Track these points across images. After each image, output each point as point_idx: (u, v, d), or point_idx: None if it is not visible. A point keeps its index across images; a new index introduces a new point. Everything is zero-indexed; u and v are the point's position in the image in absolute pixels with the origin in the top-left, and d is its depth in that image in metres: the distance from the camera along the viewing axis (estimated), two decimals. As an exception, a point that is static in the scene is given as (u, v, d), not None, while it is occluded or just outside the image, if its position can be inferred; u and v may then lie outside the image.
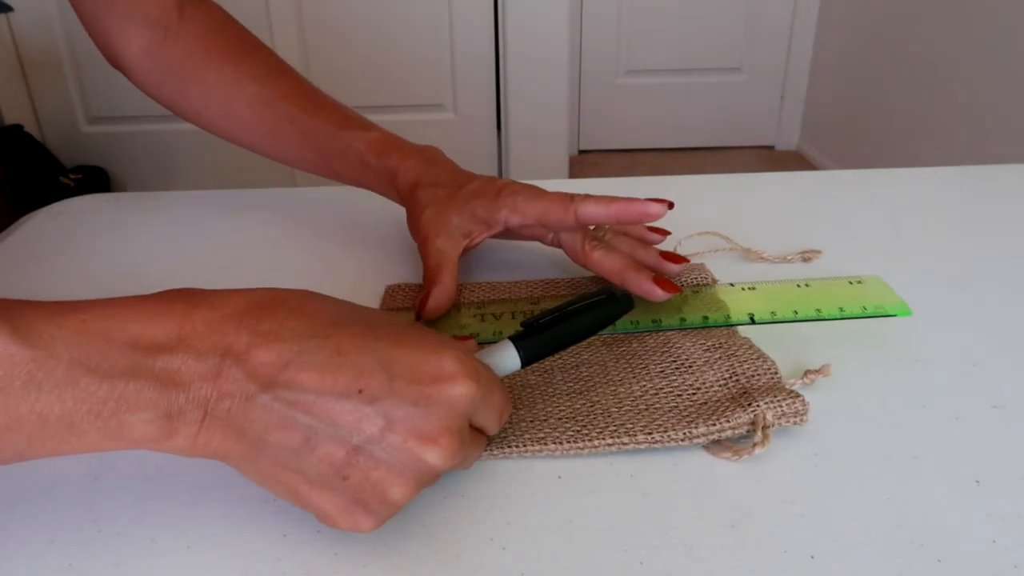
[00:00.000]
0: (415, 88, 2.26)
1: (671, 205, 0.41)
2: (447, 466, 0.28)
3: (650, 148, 2.76)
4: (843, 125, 2.41)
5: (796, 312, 0.44)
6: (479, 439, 0.32)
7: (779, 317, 0.43)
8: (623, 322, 0.43)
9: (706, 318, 0.43)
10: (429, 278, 0.43)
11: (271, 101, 0.51)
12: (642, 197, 0.41)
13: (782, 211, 0.57)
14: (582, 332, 0.35)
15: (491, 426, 0.31)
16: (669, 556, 0.29)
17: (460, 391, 0.28)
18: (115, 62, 0.53)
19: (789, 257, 0.50)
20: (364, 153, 0.49)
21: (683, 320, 0.43)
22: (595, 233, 0.45)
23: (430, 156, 0.49)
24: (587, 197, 0.42)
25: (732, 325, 0.43)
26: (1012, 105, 1.66)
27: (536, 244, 0.51)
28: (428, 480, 0.29)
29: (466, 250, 0.45)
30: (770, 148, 2.76)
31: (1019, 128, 1.64)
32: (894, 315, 0.44)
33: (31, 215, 0.60)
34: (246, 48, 0.53)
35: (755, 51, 2.59)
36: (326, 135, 0.50)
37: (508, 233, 0.46)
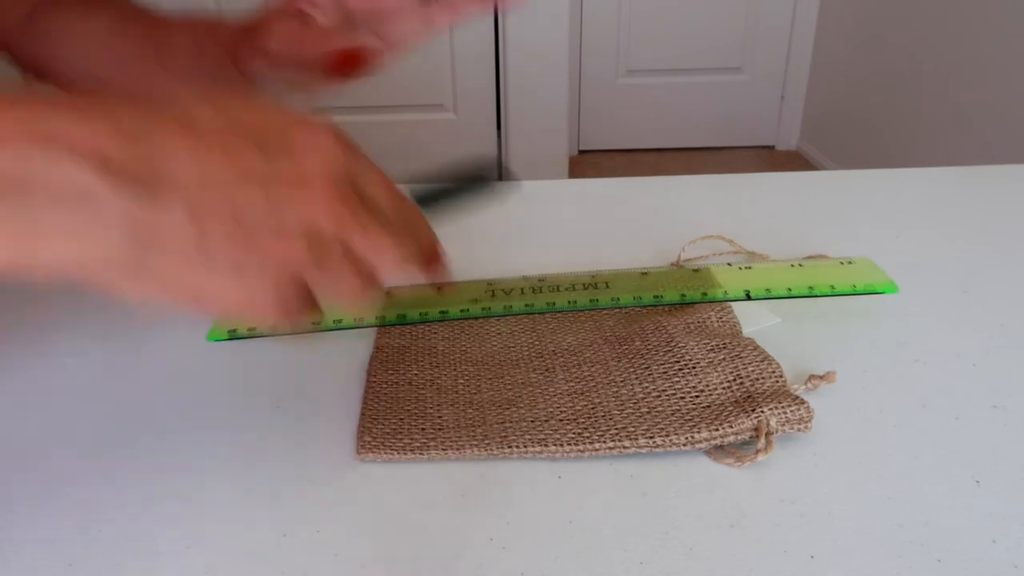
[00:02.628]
0: (415, 88, 2.26)
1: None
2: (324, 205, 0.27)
3: (650, 148, 2.76)
4: (843, 125, 2.42)
5: (790, 289, 0.46)
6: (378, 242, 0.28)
7: (774, 294, 0.45)
8: (627, 298, 0.44)
9: (704, 294, 0.45)
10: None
11: (123, 27, 0.50)
12: None
13: (782, 211, 0.57)
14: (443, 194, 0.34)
15: (382, 198, 0.29)
16: (669, 556, 0.29)
17: (322, 138, 0.28)
18: None
19: (795, 262, 0.50)
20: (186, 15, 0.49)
21: (683, 296, 0.45)
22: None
23: None
24: None
25: (729, 300, 0.44)
26: (1011, 106, 1.66)
27: (548, 242, 0.51)
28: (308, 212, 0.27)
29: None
30: (770, 148, 2.76)
31: (1019, 128, 1.64)
32: (882, 292, 0.46)
33: (31, 215, 0.60)
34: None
35: (755, 51, 2.59)
36: (163, 23, 0.50)
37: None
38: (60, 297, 0.49)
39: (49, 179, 0.25)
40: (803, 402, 0.35)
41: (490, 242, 0.54)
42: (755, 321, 0.43)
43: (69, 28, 0.52)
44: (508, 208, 0.53)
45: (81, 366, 0.42)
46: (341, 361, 0.41)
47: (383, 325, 0.44)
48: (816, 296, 0.45)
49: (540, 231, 0.55)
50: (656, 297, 0.45)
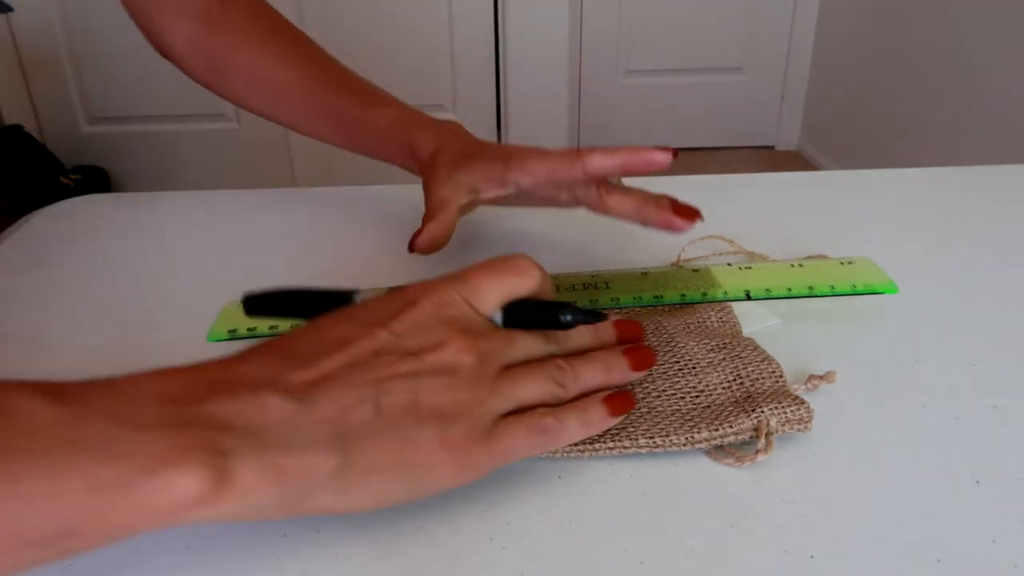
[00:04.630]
0: (415, 88, 2.25)
1: (676, 154, 0.41)
2: (468, 353, 0.30)
3: (650, 148, 2.75)
4: (843, 125, 2.42)
5: (790, 289, 0.46)
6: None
7: (774, 294, 0.45)
8: (627, 298, 0.44)
9: (704, 294, 0.45)
10: (426, 218, 0.45)
11: (298, 82, 0.54)
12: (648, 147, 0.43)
13: (782, 212, 0.57)
14: (302, 304, 0.36)
15: (536, 344, 0.32)
16: (669, 556, 0.29)
17: (446, 295, 0.31)
18: (163, 53, 0.57)
19: (794, 262, 0.49)
20: (386, 128, 0.51)
21: (683, 296, 0.45)
22: (609, 182, 0.46)
23: (449, 127, 0.50)
24: (593, 150, 0.43)
25: (729, 300, 0.44)
26: (1012, 105, 1.66)
27: (548, 242, 0.51)
28: (469, 378, 0.30)
29: (471, 205, 0.47)
30: (770, 148, 2.76)
31: (1019, 128, 1.64)
32: (882, 292, 0.45)
33: (31, 215, 0.60)
34: (278, 34, 0.56)
35: (755, 51, 2.59)
36: (349, 113, 0.52)
37: (523, 198, 0.47)
38: (59, 297, 0.49)
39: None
40: (803, 402, 0.35)
41: (490, 243, 0.54)
42: (755, 321, 0.43)
43: (254, 69, 0.54)
44: (508, 208, 0.53)
45: (82, 365, 0.42)
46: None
47: None
48: (816, 296, 0.45)
49: (540, 232, 0.55)
50: (656, 297, 0.45)
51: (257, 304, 0.37)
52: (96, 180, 2.28)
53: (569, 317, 0.32)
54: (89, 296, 0.49)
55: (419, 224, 0.47)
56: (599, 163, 0.42)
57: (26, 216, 0.60)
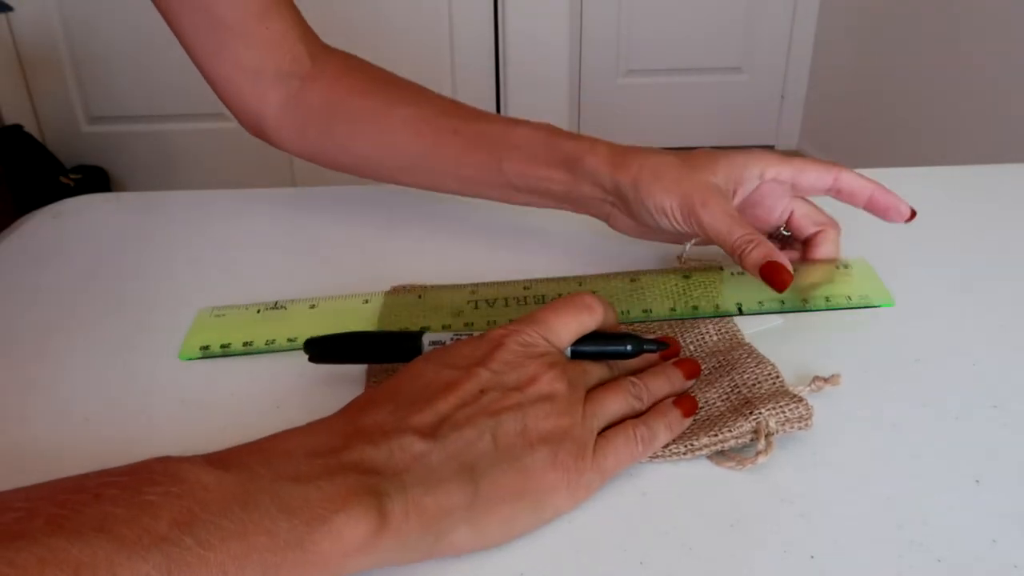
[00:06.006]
0: (415, 88, 2.25)
1: (913, 214, 0.45)
2: (560, 382, 0.32)
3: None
4: (843, 125, 2.41)
5: (783, 303, 0.44)
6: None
7: (766, 307, 0.44)
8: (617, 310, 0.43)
9: (696, 308, 0.44)
10: (757, 245, 0.41)
11: (430, 118, 0.49)
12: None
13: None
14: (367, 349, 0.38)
15: (616, 399, 0.34)
16: (669, 556, 0.29)
17: (527, 337, 0.33)
18: (256, 126, 0.53)
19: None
20: (546, 139, 0.47)
21: (673, 310, 0.44)
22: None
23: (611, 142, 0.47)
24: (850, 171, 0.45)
25: (720, 316, 0.43)
26: (1012, 105, 1.66)
27: (540, 248, 0.51)
28: (566, 398, 0.32)
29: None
30: (770, 148, 2.76)
31: (1019, 128, 1.64)
32: (878, 306, 0.45)
33: (31, 215, 0.60)
34: (388, 79, 0.52)
35: (755, 51, 2.59)
36: (497, 134, 0.48)
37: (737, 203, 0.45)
38: (58, 297, 0.49)
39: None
40: (801, 400, 0.35)
41: (488, 243, 0.53)
42: (756, 323, 0.43)
43: (372, 112, 0.50)
44: (508, 208, 0.53)
45: (82, 365, 0.42)
46: (340, 364, 0.41)
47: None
48: (810, 311, 0.44)
49: (540, 232, 0.55)
50: (645, 312, 0.44)
51: (319, 348, 0.38)
52: (96, 180, 2.28)
53: (630, 347, 0.35)
54: (89, 296, 0.49)
55: (418, 224, 0.47)
56: (853, 182, 0.46)
57: (26, 216, 0.60)
